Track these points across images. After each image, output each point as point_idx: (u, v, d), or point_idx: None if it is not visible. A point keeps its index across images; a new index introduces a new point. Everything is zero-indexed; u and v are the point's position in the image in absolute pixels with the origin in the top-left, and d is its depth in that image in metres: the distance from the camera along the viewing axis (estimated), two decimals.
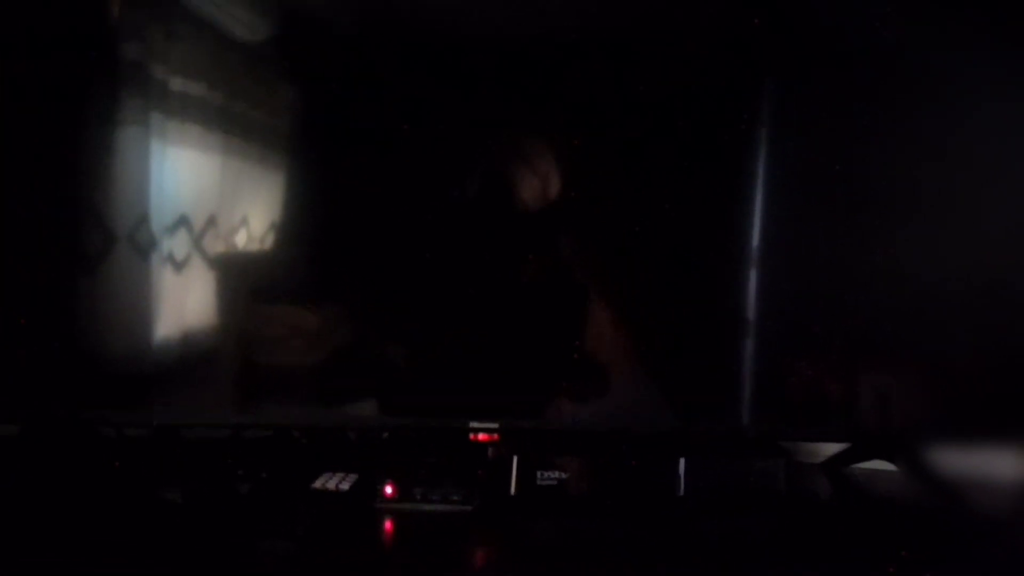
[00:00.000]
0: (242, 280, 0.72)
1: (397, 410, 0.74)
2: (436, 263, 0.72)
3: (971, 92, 0.71)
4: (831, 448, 0.84)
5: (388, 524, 0.68)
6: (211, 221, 0.71)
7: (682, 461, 0.72)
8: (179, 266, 0.71)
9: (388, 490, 0.70)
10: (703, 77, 0.71)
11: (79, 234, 0.70)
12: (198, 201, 0.71)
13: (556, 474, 0.72)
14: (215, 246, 0.71)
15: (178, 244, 0.71)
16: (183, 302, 0.72)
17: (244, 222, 0.72)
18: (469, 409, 0.73)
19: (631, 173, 0.72)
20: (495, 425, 0.72)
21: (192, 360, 0.72)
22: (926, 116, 0.72)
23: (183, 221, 0.71)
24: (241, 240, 0.72)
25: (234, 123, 0.71)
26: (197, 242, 0.71)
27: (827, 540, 0.68)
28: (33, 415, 0.74)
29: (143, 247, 0.70)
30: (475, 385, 0.73)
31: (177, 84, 0.70)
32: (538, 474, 0.72)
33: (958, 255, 0.72)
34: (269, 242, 0.72)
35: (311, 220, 0.73)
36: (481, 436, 0.73)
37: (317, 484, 0.73)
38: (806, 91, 0.72)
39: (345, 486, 0.72)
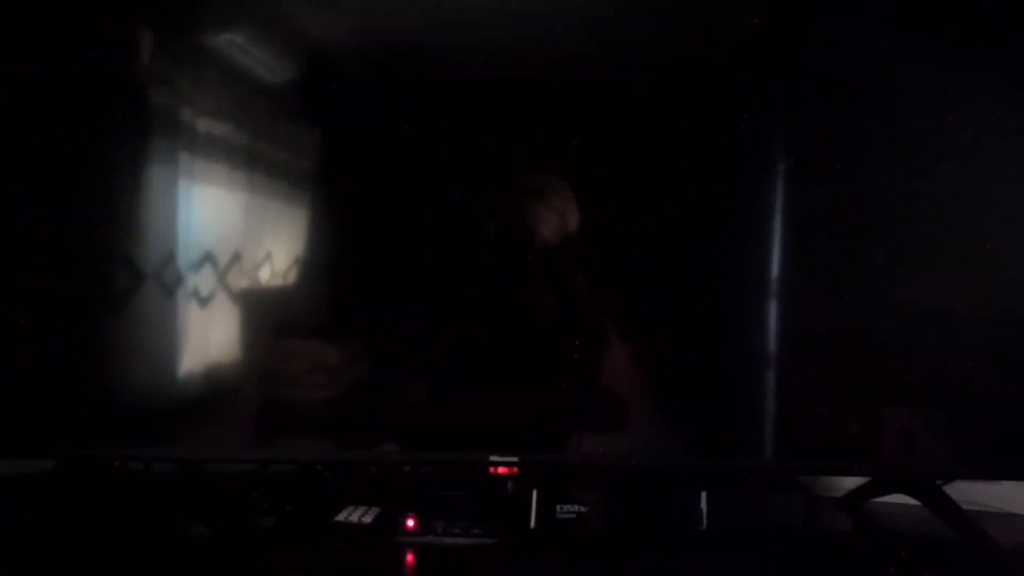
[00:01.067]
0: (265, 315, 0.74)
1: (418, 444, 0.75)
2: (456, 300, 0.74)
3: (1004, 115, 0.71)
4: (852, 482, 0.84)
5: (410, 557, 0.68)
6: (236, 257, 0.73)
7: (703, 495, 0.72)
8: (204, 302, 0.73)
9: (410, 523, 0.71)
10: (721, 110, 0.73)
11: (108, 273, 0.72)
12: (223, 238, 0.73)
13: (575, 508, 0.72)
14: (239, 282, 0.73)
15: (203, 281, 0.72)
16: (208, 338, 0.73)
17: (268, 258, 0.74)
18: (489, 443, 0.73)
19: (649, 207, 0.73)
20: (515, 459, 0.73)
21: (216, 395, 0.73)
22: (954, 144, 0.71)
23: (208, 258, 0.73)
24: (265, 276, 0.73)
25: (258, 162, 0.73)
26: (222, 278, 0.73)
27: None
28: (64, 452, 0.75)
29: (170, 284, 0.72)
30: (495, 419, 0.74)
31: (204, 125, 0.72)
32: (557, 508, 0.72)
33: (984, 287, 0.72)
34: (292, 278, 0.74)
35: (333, 256, 0.74)
36: (501, 470, 0.73)
37: (340, 517, 0.73)
38: (827, 123, 0.72)
39: (368, 519, 0.73)
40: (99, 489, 0.78)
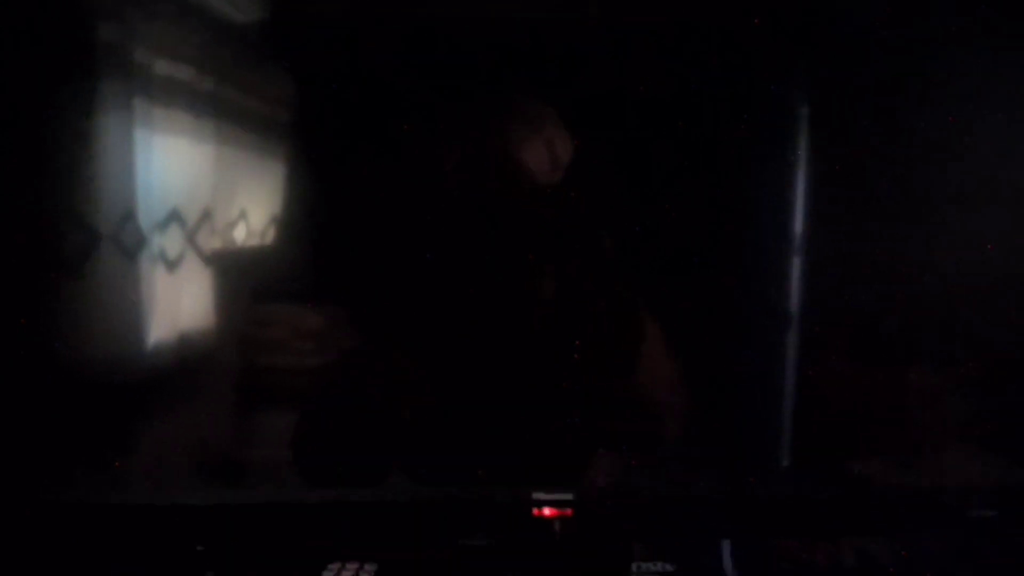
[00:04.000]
0: (242, 279, 0.67)
1: (427, 474, 0.59)
2: (453, 260, 0.69)
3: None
4: None
5: None
6: (206, 216, 0.66)
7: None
8: (172, 265, 0.65)
9: None
10: (737, 48, 0.69)
11: (58, 233, 0.64)
12: (190, 194, 0.66)
13: (662, 567, 0.50)
14: (211, 243, 0.66)
15: (170, 241, 0.65)
16: (178, 304, 0.66)
17: (242, 216, 0.67)
18: (527, 471, 0.55)
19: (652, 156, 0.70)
20: (568, 496, 0.52)
21: (191, 365, 0.66)
22: (977, 104, 0.69)
23: (175, 216, 0.65)
24: (240, 236, 0.67)
25: (228, 111, 0.66)
26: (191, 239, 0.66)
27: None
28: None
29: (130, 246, 0.64)
30: (537, 441, 0.55)
31: (162, 68, 0.65)
32: (635, 567, 0.51)
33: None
34: (270, 238, 0.67)
35: (314, 214, 0.68)
36: (547, 511, 0.53)
37: None
38: (854, 64, 0.69)
39: None
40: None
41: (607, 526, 0.54)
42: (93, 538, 0.66)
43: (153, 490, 0.67)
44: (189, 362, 0.66)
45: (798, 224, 0.69)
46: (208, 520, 0.65)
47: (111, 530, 0.66)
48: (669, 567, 0.51)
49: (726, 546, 0.53)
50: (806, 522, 0.59)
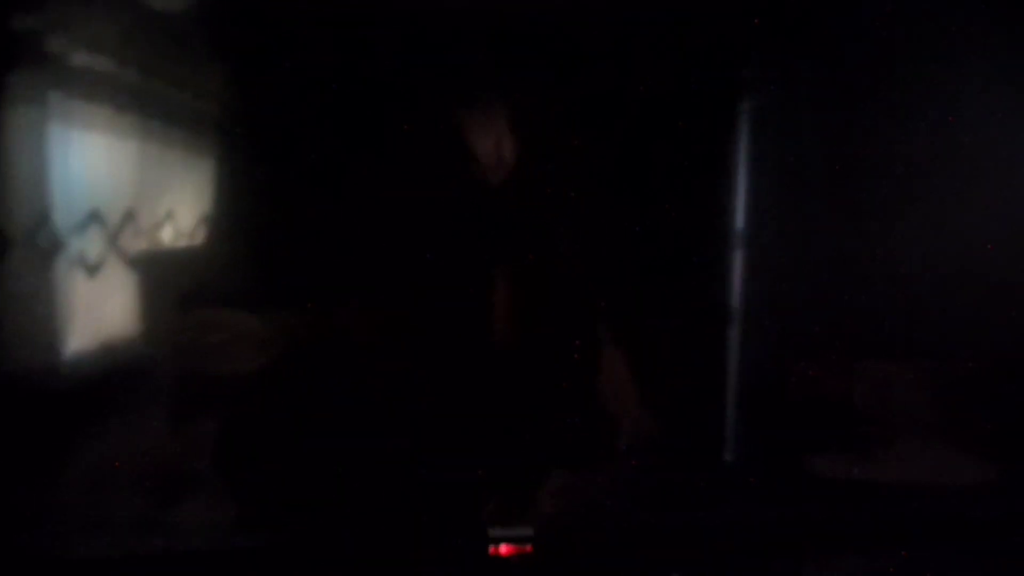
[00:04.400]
0: (173, 282, 0.63)
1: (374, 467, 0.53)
2: (406, 256, 0.66)
3: (977, 76, 0.71)
4: None
5: None
6: (128, 216, 0.62)
7: None
8: (92, 270, 0.61)
9: None
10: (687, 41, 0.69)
11: None
12: (111, 194, 0.62)
13: None
14: (136, 244, 0.62)
15: (90, 245, 0.61)
16: (101, 311, 0.62)
17: (169, 216, 0.63)
18: (480, 503, 0.50)
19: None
20: (528, 533, 0.46)
21: (114, 376, 0.61)
22: (928, 99, 0.70)
23: (95, 217, 0.61)
24: (167, 237, 0.63)
25: (152, 104, 0.62)
26: (113, 241, 0.61)
27: None
28: None
29: (46, 250, 0.60)
30: (486, 463, 0.50)
31: (79, 59, 0.60)
32: None
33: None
34: (200, 238, 0.64)
35: (249, 211, 0.65)
36: (504, 549, 0.47)
37: None
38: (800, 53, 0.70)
39: None
40: None
41: (570, 563, 0.49)
42: None
43: (81, 513, 0.62)
44: (114, 371, 0.62)
45: (740, 220, 0.70)
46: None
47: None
48: None
49: None
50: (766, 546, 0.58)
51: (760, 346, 0.65)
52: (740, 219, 0.71)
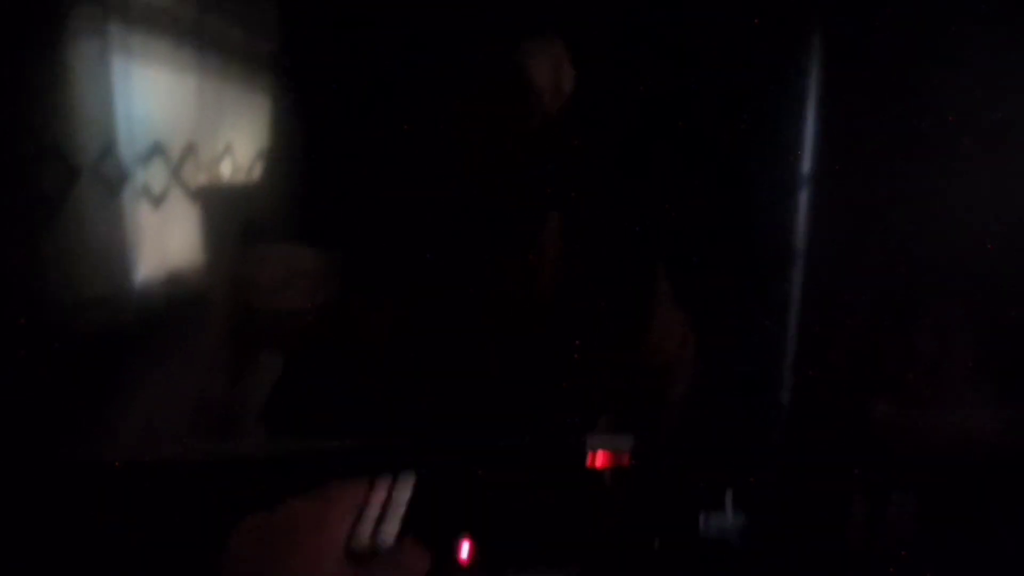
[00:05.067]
0: (231, 216, 0.65)
1: (443, 419, 0.52)
2: (453, 194, 0.66)
3: None
4: None
5: None
6: (190, 149, 0.63)
7: None
8: (157, 201, 0.63)
9: (463, 553, 0.44)
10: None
11: (35, 168, 0.61)
12: (173, 127, 0.63)
13: (733, 519, 0.43)
14: (197, 178, 0.63)
15: (154, 176, 0.62)
16: (166, 241, 0.64)
17: (228, 151, 0.64)
18: (579, 418, 0.48)
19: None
20: (628, 443, 0.46)
21: (181, 307, 0.64)
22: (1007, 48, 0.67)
23: (158, 150, 0.62)
24: (226, 171, 0.64)
25: (210, 39, 0.63)
26: (176, 174, 0.63)
27: None
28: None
29: (112, 181, 0.61)
30: (592, 386, 0.49)
31: None
32: (701, 518, 0.44)
33: None
34: (257, 173, 0.65)
35: (304, 147, 0.66)
36: (600, 460, 0.46)
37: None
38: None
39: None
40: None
41: (667, 476, 0.48)
42: (79, 495, 0.64)
43: (144, 440, 0.65)
44: (178, 302, 0.64)
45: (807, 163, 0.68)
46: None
47: (100, 485, 0.64)
48: (744, 519, 0.44)
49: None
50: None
51: (822, 291, 0.64)
52: (807, 162, 0.69)
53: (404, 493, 0.46)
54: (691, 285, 0.60)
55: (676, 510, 0.45)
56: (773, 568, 0.48)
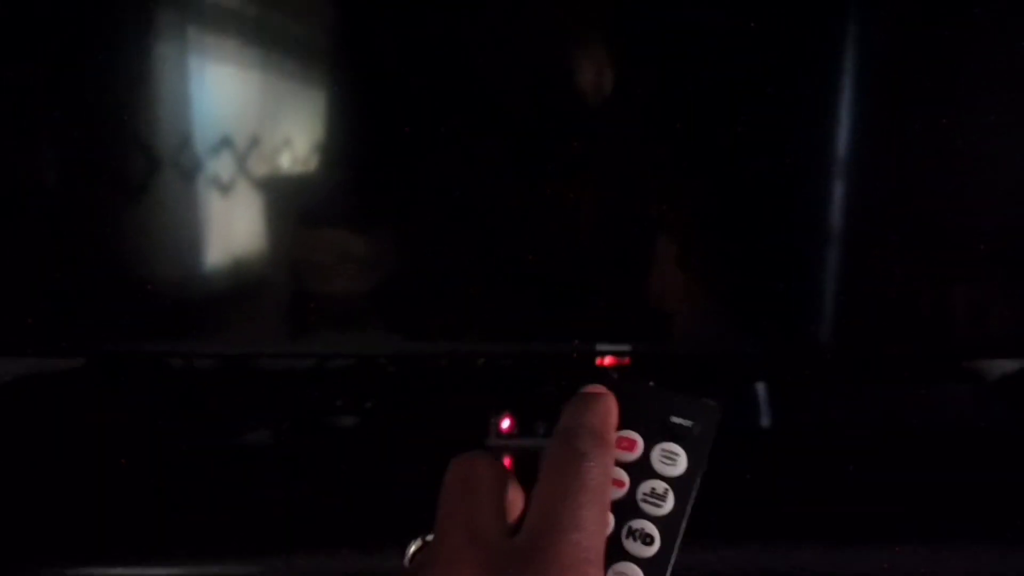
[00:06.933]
0: (289, 204, 0.70)
1: (502, 334, 0.67)
2: (498, 179, 0.68)
3: None
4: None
5: (507, 461, 0.61)
6: (254, 142, 0.69)
7: None
8: (225, 189, 0.69)
9: (505, 424, 0.63)
10: None
11: (125, 159, 0.69)
12: (240, 121, 0.69)
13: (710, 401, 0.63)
14: (260, 168, 0.69)
15: (223, 167, 0.68)
16: (232, 227, 0.70)
17: (287, 143, 0.69)
18: (591, 330, 0.65)
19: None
20: (627, 348, 0.64)
21: (244, 287, 0.70)
22: None
23: (226, 142, 0.68)
24: (285, 162, 0.69)
25: (271, 37, 0.67)
26: (241, 164, 0.69)
27: None
28: (91, 347, 0.73)
29: (188, 170, 0.68)
30: (600, 303, 0.66)
31: None
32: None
33: None
34: (313, 164, 0.69)
35: (356, 140, 0.70)
36: (608, 360, 0.65)
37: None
38: None
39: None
40: (138, 389, 0.74)
41: (658, 373, 0.67)
42: None
43: None
44: (242, 285, 0.71)
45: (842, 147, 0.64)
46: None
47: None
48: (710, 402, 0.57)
49: (761, 387, 0.67)
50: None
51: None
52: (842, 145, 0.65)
53: None
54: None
55: None
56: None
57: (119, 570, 0.45)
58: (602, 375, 0.57)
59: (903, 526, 0.50)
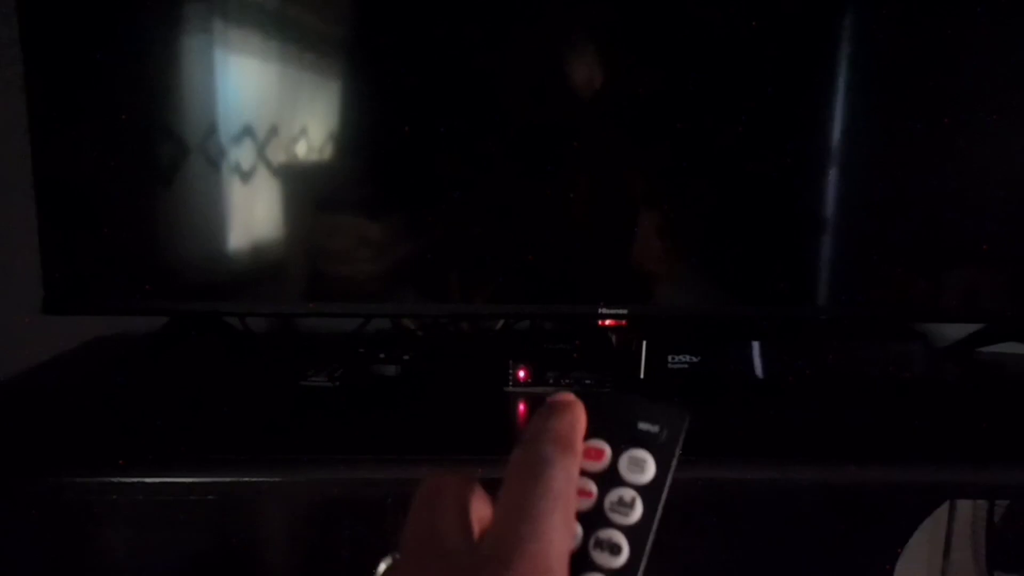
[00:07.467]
0: (306, 191, 0.74)
1: (519, 298, 0.78)
2: (504, 165, 0.73)
3: None
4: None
5: (522, 406, 0.71)
6: (273, 131, 0.74)
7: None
8: (246, 176, 0.75)
9: (521, 374, 0.73)
10: None
11: (156, 146, 0.74)
12: (260, 111, 0.73)
13: (687, 358, 0.73)
14: (278, 156, 0.73)
15: (244, 154, 0.74)
16: (252, 212, 0.75)
17: (303, 132, 0.74)
18: (597, 296, 0.75)
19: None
20: (623, 311, 0.75)
21: (264, 270, 0.75)
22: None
23: (248, 131, 0.74)
24: (301, 150, 0.74)
25: (289, 30, 0.71)
26: (261, 152, 0.74)
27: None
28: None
29: (213, 157, 0.74)
30: (601, 272, 0.76)
31: None
32: (669, 358, 0.74)
33: None
34: (328, 152, 0.73)
35: (369, 129, 0.74)
36: (609, 322, 0.76)
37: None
38: None
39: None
40: (212, 347, 0.86)
41: (653, 333, 0.75)
42: None
43: None
44: (259, 262, 0.75)
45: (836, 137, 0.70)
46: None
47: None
48: (695, 358, 0.73)
49: (755, 346, 0.75)
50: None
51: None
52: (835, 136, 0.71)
53: None
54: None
55: (652, 352, 0.74)
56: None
57: (213, 478, 0.58)
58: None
59: (863, 451, 0.62)
